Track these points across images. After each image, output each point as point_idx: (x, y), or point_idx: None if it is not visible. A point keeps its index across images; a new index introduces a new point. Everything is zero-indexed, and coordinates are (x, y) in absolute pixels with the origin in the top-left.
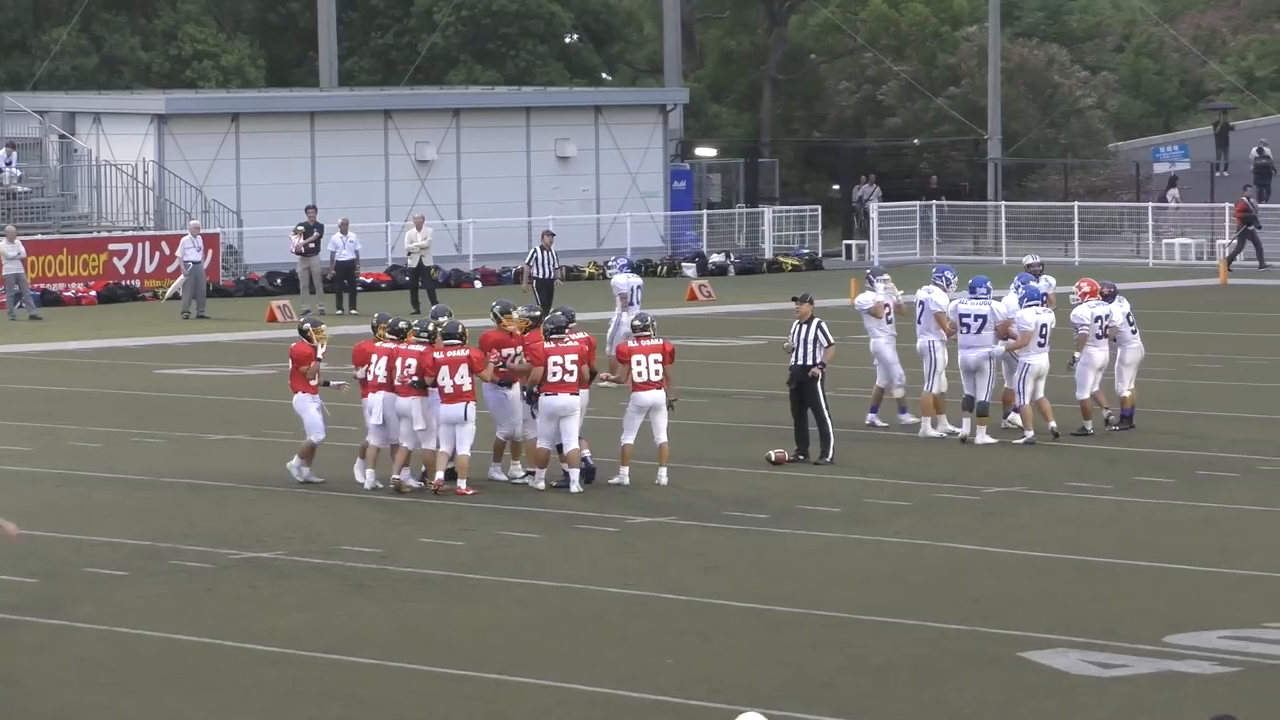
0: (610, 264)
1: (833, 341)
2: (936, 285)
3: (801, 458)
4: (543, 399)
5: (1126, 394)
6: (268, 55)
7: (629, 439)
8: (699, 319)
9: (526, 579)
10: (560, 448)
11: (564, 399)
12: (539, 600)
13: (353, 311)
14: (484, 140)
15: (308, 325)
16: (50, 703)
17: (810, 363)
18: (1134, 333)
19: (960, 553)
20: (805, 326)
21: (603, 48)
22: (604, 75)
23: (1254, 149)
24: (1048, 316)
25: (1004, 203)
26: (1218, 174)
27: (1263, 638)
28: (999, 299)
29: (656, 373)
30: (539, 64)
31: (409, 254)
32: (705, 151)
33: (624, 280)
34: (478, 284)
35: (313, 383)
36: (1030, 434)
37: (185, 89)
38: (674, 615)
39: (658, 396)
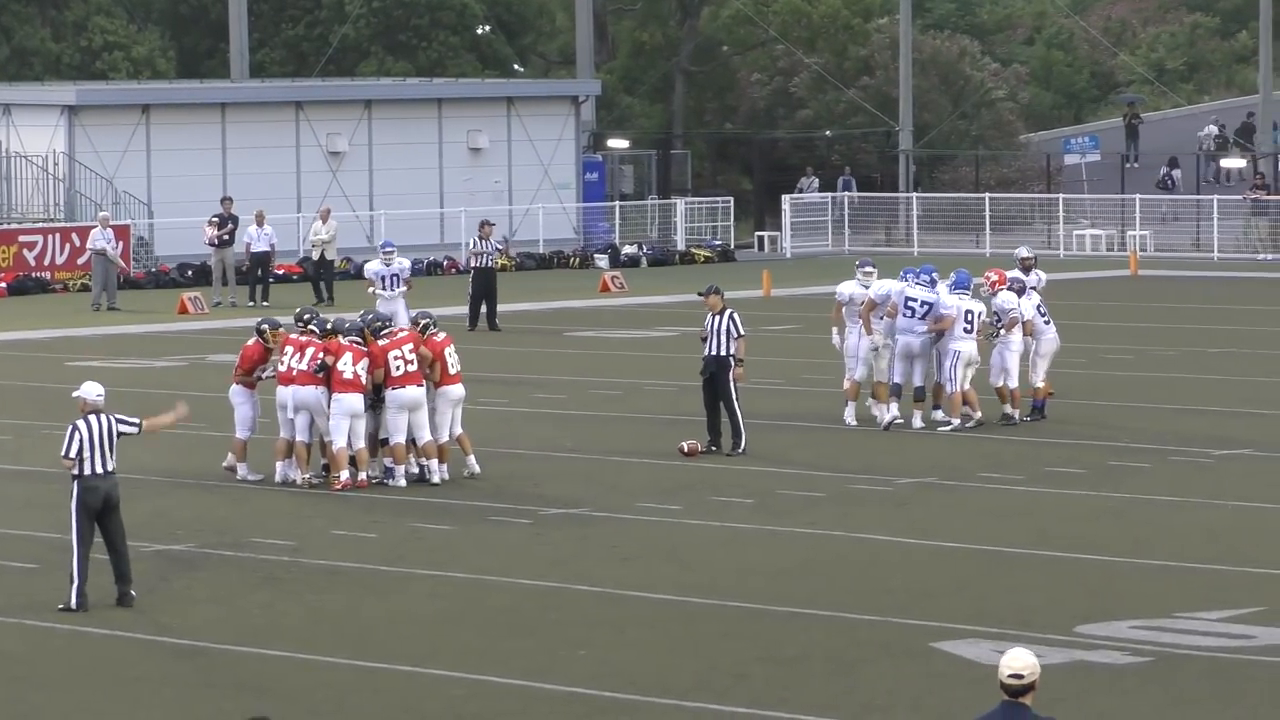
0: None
1: (744, 333)
2: (919, 284)
3: (714, 449)
4: (390, 393)
5: (1040, 385)
6: (178, 47)
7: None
8: (612, 310)
9: (439, 571)
10: (414, 441)
11: (411, 391)
12: (452, 592)
13: (264, 304)
14: (396, 132)
15: (265, 326)
16: None
17: (723, 353)
18: (1047, 323)
19: (873, 544)
20: (717, 318)
21: (515, 39)
22: (516, 67)
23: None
24: (974, 304)
25: (915, 194)
26: (1128, 165)
27: (1173, 627)
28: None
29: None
30: (451, 56)
31: (312, 246)
32: (617, 143)
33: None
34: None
35: (265, 376)
36: (978, 414)
37: (96, 80)
38: (587, 607)
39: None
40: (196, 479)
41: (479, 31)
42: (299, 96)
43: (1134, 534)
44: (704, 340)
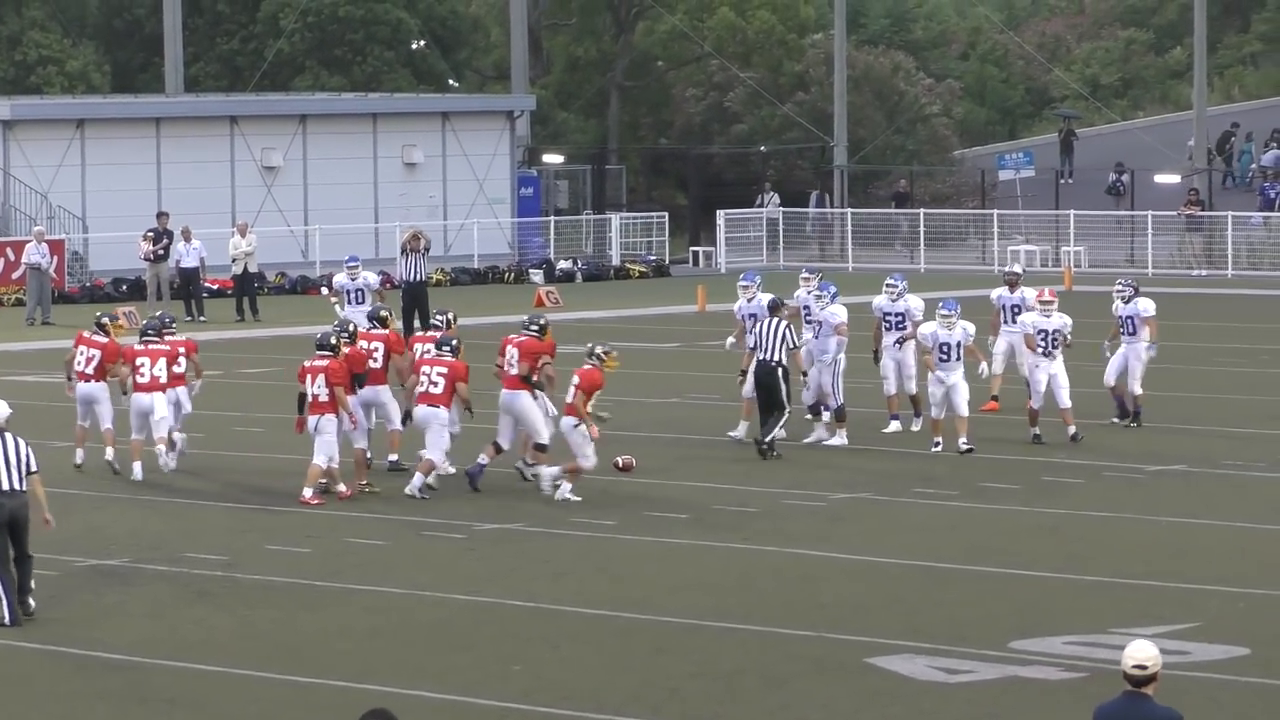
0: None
1: (797, 345)
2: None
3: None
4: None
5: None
6: (113, 61)
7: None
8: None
9: (373, 586)
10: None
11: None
12: (386, 607)
13: (201, 319)
14: (331, 147)
15: (106, 319)
16: None
17: (775, 359)
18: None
19: (807, 559)
20: (771, 325)
21: (450, 54)
22: (451, 82)
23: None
24: (1048, 323)
25: (850, 209)
26: (1062, 181)
27: (1108, 643)
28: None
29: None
30: (386, 70)
31: (233, 260)
32: (552, 158)
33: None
34: (324, 290)
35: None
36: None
37: (30, 95)
38: (521, 622)
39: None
40: (130, 494)
41: (414, 46)
42: (234, 111)
43: (1068, 549)
44: (749, 349)
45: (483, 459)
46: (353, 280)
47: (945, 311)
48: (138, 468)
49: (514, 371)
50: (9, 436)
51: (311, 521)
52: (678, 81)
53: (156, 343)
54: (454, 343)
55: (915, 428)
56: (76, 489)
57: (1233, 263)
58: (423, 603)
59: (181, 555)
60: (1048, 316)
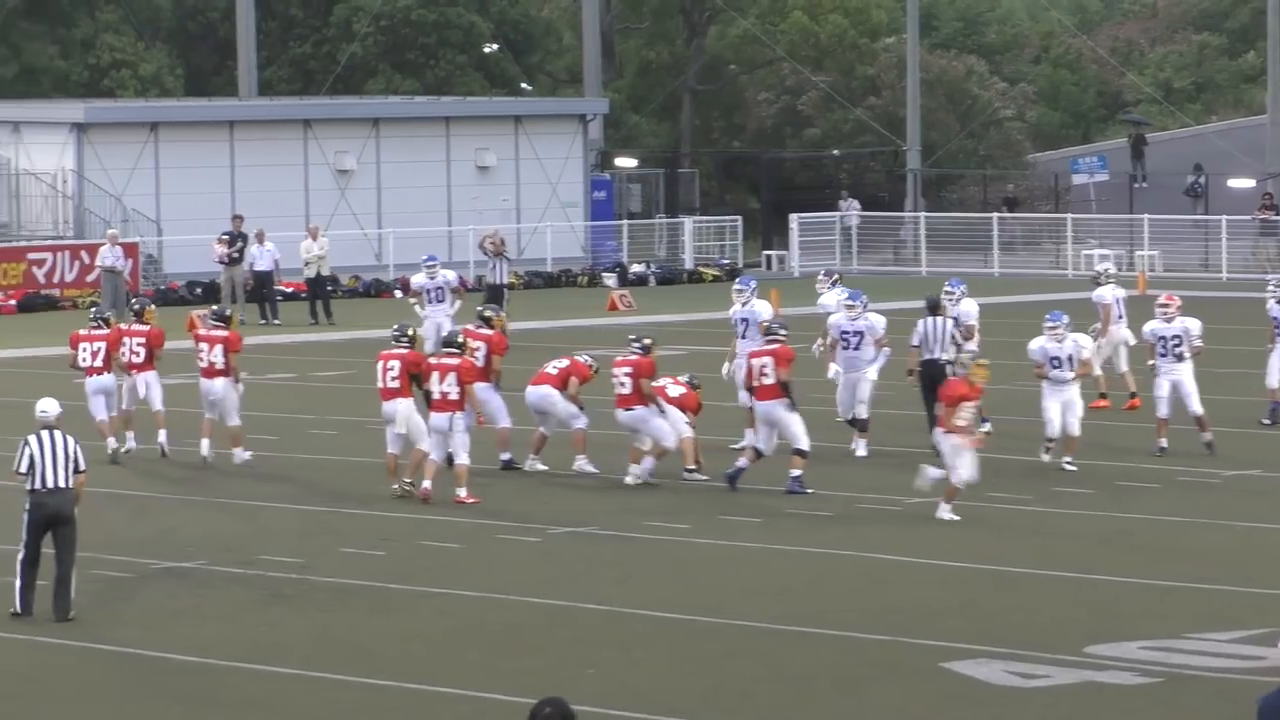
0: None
1: (962, 341)
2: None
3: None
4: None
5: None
6: (186, 65)
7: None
8: (620, 329)
9: (447, 589)
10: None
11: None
12: (460, 610)
13: (275, 322)
14: (404, 150)
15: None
16: None
17: (945, 357)
18: None
19: (881, 562)
20: (934, 323)
21: (522, 57)
22: (523, 85)
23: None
24: (1170, 329)
25: (924, 213)
26: (1136, 185)
27: (1182, 648)
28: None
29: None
30: (458, 74)
31: (306, 264)
32: (625, 162)
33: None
34: (398, 293)
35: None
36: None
37: (104, 98)
38: (594, 625)
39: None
40: (205, 496)
41: (486, 50)
42: (307, 114)
43: (1142, 554)
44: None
45: (742, 462)
46: (432, 279)
47: (1052, 323)
48: (205, 444)
49: (625, 391)
50: (57, 434)
51: (386, 525)
52: (750, 85)
53: (220, 328)
54: (461, 341)
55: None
56: (152, 491)
57: None
58: (497, 606)
59: (256, 558)
60: (1168, 321)
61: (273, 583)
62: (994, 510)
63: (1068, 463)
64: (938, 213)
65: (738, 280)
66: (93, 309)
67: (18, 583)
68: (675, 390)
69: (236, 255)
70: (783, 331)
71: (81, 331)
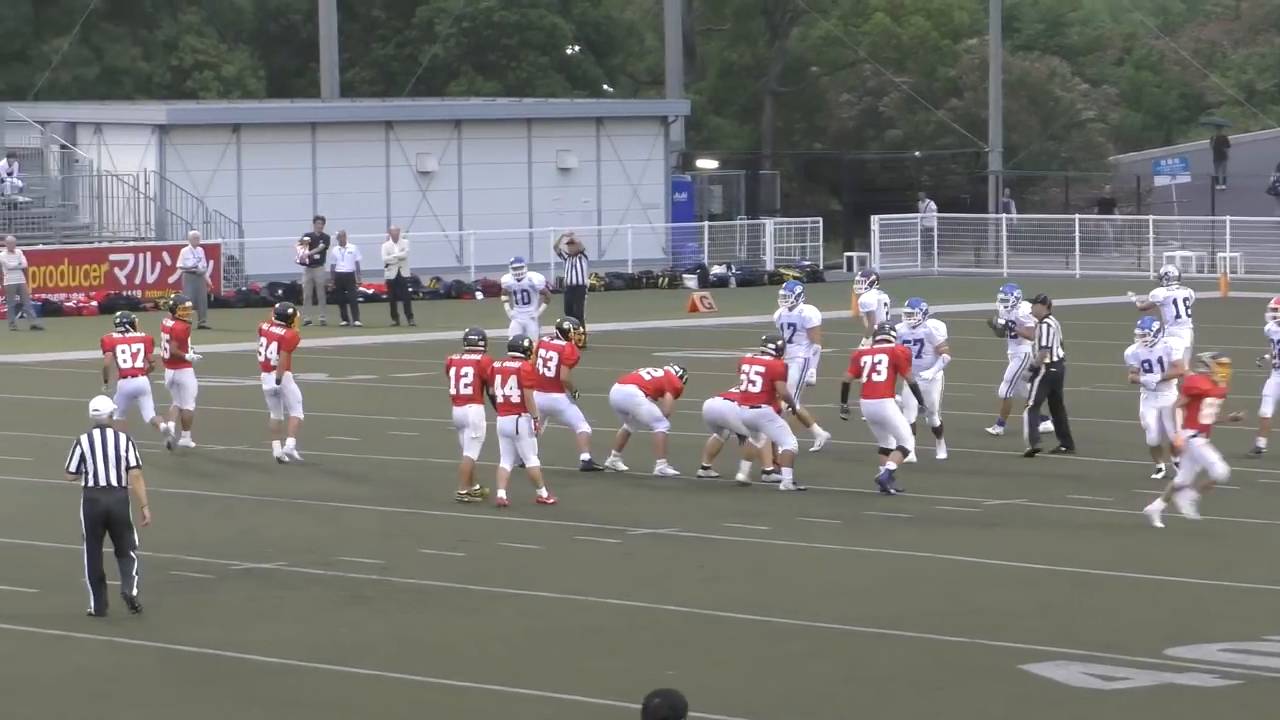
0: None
1: (1047, 345)
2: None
3: (1065, 448)
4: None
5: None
6: (268, 66)
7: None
8: (701, 331)
9: (527, 590)
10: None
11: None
12: (539, 611)
13: (356, 323)
14: (485, 151)
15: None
16: (50, 713)
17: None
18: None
19: (959, 564)
20: (1043, 325)
21: (604, 59)
22: (605, 87)
23: (1276, 169)
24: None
25: (1005, 215)
26: (1218, 187)
27: (1263, 650)
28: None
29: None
30: (540, 75)
31: (387, 266)
32: (706, 163)
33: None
34: (479, 295)
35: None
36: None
37: (186, 99)
38: (674, 626)
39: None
40: (285, 497)
41: (568, 52)
42: (389, 116)
43: (1221, 555)
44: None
45: (891, 465)
46: (518, 281)
47: (1142, 330)
48: (277, 445)
49: (755, 389)
50: (110, 433)
51: (466, 526)
52: (831, 87)
53: (280, 326)
54: (526, 345)
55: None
56: (233, 493)
57: None
58: (577, 607)
59: (336, 559)
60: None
61: (353, 584)
62: (1073, 511)
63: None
64: (1020, 214)
65: (784, 286)
66: (118, 314)
67: (88, 584)
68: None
69: (318, 257)
70: (774, 346)
71: (115, 334)
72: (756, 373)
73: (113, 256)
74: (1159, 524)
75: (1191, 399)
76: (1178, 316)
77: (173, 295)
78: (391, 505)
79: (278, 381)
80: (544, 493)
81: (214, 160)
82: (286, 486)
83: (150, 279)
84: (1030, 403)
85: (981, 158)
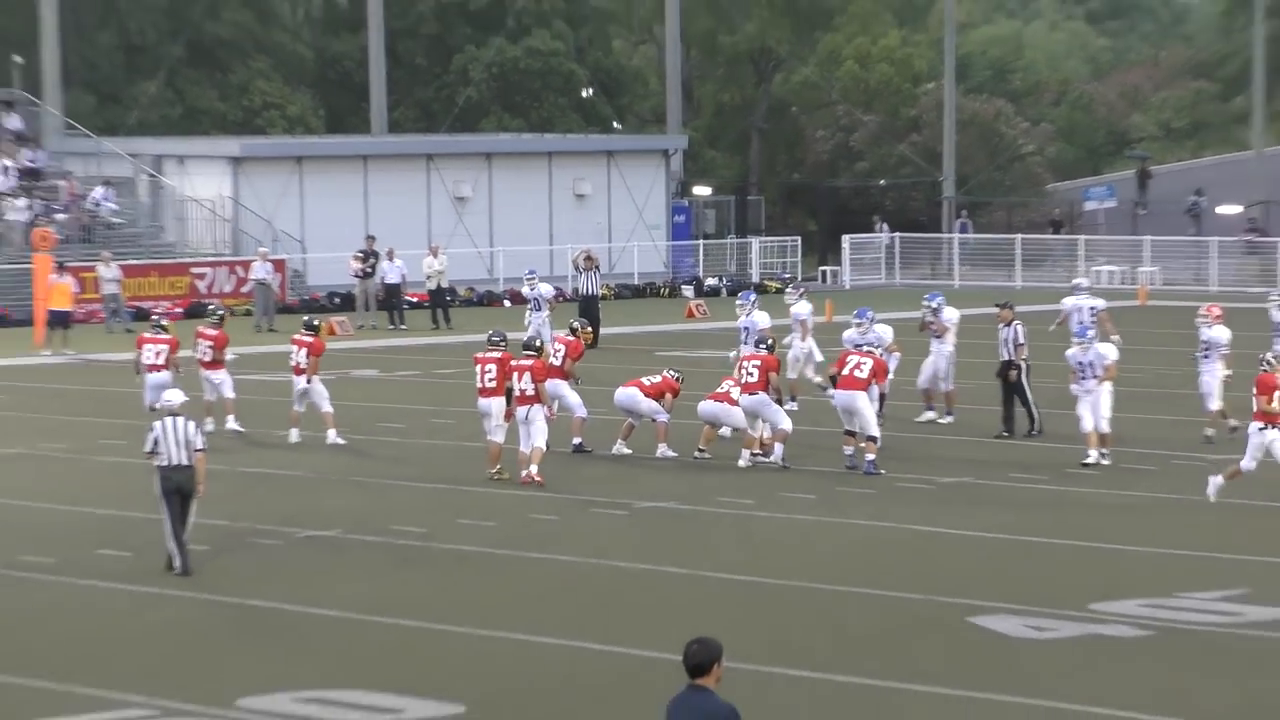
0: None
1: (1023, 342)
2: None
3: (1006, 435)
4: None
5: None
6: (326, 106)
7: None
8: (696, 334)
9: (548, 554)
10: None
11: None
12: (560, 573)
13: (402, 327)
14: (512, 180)
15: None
16: (142, 658)
17: (1009, 357)
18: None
19: (917, 533)
20: (1007, 328)
21: (614, 100)
22: (615, 124)
23: (1192, 194)
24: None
25: (957, 235)
26: (1140, 211)
27: (1174, 606)
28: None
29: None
30: (559, 114)
31: (428, 278)
32: (701, 190)
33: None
34: (507, 303)
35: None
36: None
37: (256, 135)
38: (673, 585)
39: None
40: (341, 475)
41: (583, 94)
42: (429, 149)
43: (1141, 525)
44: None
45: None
46: (530, 290)
47: (1079, 339)
48: (294, 432)
49: (753, 379)
50: (179, 420)
51: (496, 500)
52: (809, 124)
53: (308, 335)
54: (540, 341)
55: (945, 419)
56: (298, 471)
57: None
58: (591, 569)
59: (386, 527)
60: (1210, 329)
61: (400, 549)
62: (1015, 489)
63: (1102, 454)
64: (969, 235)
65: (740, 296)
66: (153, 316)
67: (172, 546)
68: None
69: (369, 270)
70: (764, 346)
71: (146, 335)
72: (754, 366)
73: (194, 269)
74: (1214, 499)
75: (1267, 394)
76: (1081, 323)
77: (216, 306)
78: (433, 482)
79: (308, 381)
80: (535, 469)
81: (280, 187)
82: (342, 466)
83: (226, 289)
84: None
85: (937, 186)
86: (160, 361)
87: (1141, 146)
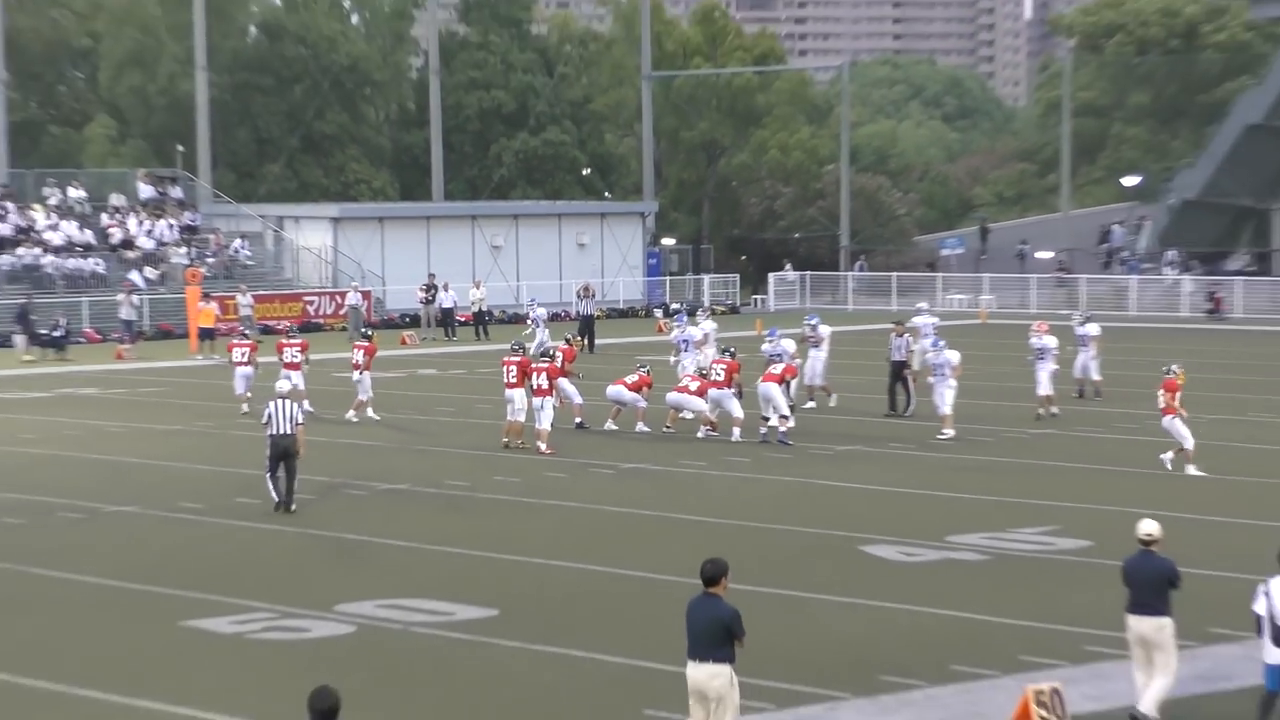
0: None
1: (913, 349)
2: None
3: (893, 414)
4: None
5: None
6: (400, 181)
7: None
8: (664, 344)
9: (559, 501)
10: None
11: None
12: (568, 514)
13: (454, 339)
14: (533, 234)
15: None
16: (266, 575)
17: (898, 359)
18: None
19: (824, 486)
20: (899, 339)
21: (605, 177)
22: (606, 194)
23: (1019, 242)
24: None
25: (850, 273)
26: (982, 256)
27: (1006, 538)
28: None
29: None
30: (566, 187)
31: (473, 303)
32: (668, 241)
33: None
34: (529, 321)
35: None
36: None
37: (350, 201)
38: (647, 524)
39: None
40: (407, 445)
41: (584, 173)
42: (473, 212)
43: (984, 480)
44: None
45: (765, 429)
46: (533, 313)
47: (933, 348)
48: (352, 413)
49: (720, 379)
50: (286, 401)
51: (520, 463)
52: (745, 194)
53: (365, 341)
54: (553, 350)
55: (832, 403)
56: (377, 441)
57: (1085, 305)
58: (590, 512)
59: (441, 481)
60: (1040, 338)
61: (451, 498)
62: (894, 455)
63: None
64: (859, 272)
65: (675, 316)
66: (238, 324)
67: (271, 487)
68: (693, 385)
69: (431, 298)
70: (729, 352)
71: (234, 341)
72: (720, 368)
73: (305, 297)
74: (1169, 468)
75: (1169, 393)
76: (926, 335)
77: (290, 325)
78: (474, 449)
79: (361, 374)
80: (544, 446)
81: (367, 238)
82: (410, 438)
83: (327, 311)
84: (910, 385)
85: (836, 238)
86: (246, 360)
87: (982, 210)
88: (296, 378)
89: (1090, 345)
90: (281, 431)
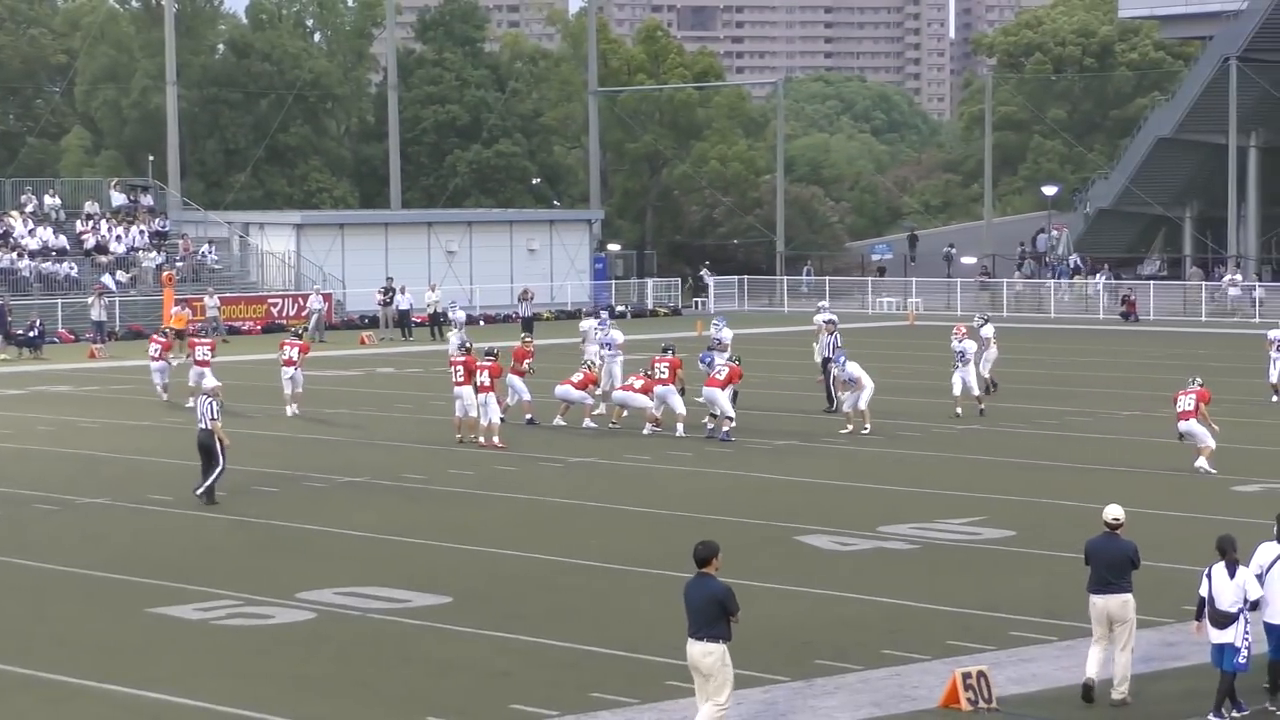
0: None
1: (841, 346)
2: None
3: (830, 409)
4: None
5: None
6: (360, 190)
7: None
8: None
9: (510, 493)
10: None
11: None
12: (518, 506)
13: (410, 339)
14: (486, 240)
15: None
16: (230, 565)
17: (827, 356)
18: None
19: (759, 479)
20: (827, 338)
21: (554, 187)
22: (555, 203)
23: (945, 247)
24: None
25: (785, 277)
26: (910, 262)
27: (935, 528)
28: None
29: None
30: (518, 195)
31: (428, 306)
32: (614, 247)
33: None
34: (481, 323)
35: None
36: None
37: (312, 209)
38: (594, 513)
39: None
40: (367, 439)
41: (534, 182)
42: (429, 219)
43: (912, 473)
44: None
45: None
46: (453, 315)
47: (838, 362)
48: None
49: (664, 376)
50: (206, 399)
51: (473, 457)
52: (687, 202)
53: (297, 341)
54: (496, 349)
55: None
56: (338, 437)
57: (1007, 308)
58: (539, 503)
59: (398, 475)
60: (960, 342)
61: (407, 490)
62: (834, 449)
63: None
64: (794, 276)
65: (598, 320)
66: (295, 327)
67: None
68: (638, 383)
69: (388, 300)
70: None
71: (286, 339)
72: (665, 366)
73: (269, 300)
74: (1209, 469)
75: (1201, 402)
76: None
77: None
78: (429, 444)
79: (295, 371)
80: (497, 439)
81: (328, 244)
82: (369, 433)
83: (290, 313)
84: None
85: (772, 244)
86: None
87: (910, 218)
88: (210, 376)
89: (990, 345)
90: (201, 427)
